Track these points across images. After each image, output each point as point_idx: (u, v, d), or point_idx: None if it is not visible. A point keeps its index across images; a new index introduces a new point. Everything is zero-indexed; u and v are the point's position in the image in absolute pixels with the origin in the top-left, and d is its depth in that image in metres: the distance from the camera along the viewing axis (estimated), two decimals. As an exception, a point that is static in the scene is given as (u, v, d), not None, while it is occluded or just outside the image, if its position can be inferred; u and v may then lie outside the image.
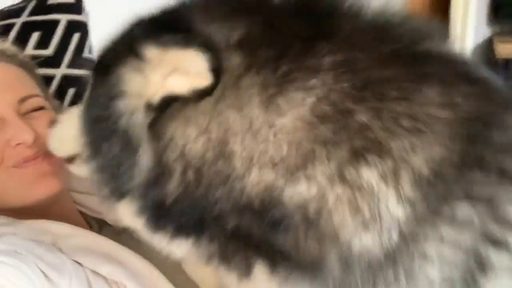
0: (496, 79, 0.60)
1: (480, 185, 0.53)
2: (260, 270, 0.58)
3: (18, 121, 0.90)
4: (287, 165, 0.54)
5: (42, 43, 1.31)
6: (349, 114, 0.53)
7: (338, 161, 0.52)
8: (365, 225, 0.52)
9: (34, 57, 1.17)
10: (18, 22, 1.32)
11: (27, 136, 0.88)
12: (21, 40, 1.26)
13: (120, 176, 0.61)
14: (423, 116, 0.53)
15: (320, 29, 0.57)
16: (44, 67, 1.21)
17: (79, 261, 0.82)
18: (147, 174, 0.58)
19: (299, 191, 0.53)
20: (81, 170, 0.69)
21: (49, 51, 1.31)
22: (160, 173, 0.57)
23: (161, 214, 0.60)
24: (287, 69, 0.55)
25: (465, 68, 0.59)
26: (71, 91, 1.30)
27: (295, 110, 0.54)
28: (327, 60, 0.55)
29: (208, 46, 0.55)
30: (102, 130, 0.62)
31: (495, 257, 0.53)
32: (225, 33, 0.56)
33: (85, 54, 1.37)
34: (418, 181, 0.52)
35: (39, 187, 0.90)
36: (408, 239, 0.52)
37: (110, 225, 1.02)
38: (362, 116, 0.53)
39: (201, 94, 0.55)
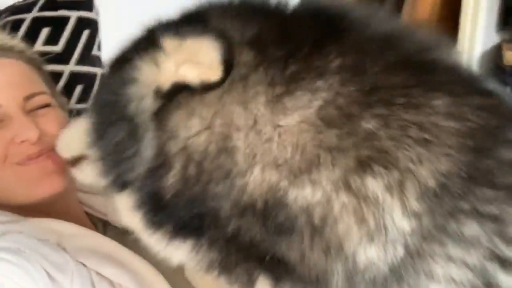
0: (503, 92, 0.59)
1: (487, 201, 0.52)
2: (263, 284, 0.57)
3: (23, 118, 0.90)
4: (291, 167, 0.53)
5: (52, 39, 1.31)
6: (355, 119, 0.53)
7: (343, 169, 0.52)
8: (370, 236, 0.52)
9: (43, 53, 1.17)
10: (29, 17, 1.32)
11: (32, 134, 0.89)
12: (31, 35, 1.26)
13: (122, 164, 0.60)
14: (431, 126, 0.52)
15: (329, 33, 0.57)
16: (52, 64, 1.22)
17: (83, 262, 0.82)
18: (148, 165, 0.58)
19: (303, 195, 0.53)
20: (84, 174, 0.69)
21: (58, 47, 1.31)
22: (160, 164, 0.57)
23: (158, 209, 0.59)
24: (295, 70, 0.55)
25: (472, 80, 0.58)
26: (78, 88, 1.31)
27: (301, 112, 0.54)
28: (335, 63, 0.55)
29: (223, 38, 0.55)
30: (110, 115, 0.62)
31: (503, 277, 0.52)
32: (238, 30, 0.57)
33: (94, 51, 1.38)
34: (424, 193, 0.51)
35: (43, 185, 0.90)
36: (414, 255, 0.51)
37: (114, 226, 1.01)
38: (369, 123, 0.52)
39: (209, 87, 0.56)
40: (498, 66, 2.12)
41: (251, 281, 0.57)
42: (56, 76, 1.25)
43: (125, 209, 0.63)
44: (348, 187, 0.52)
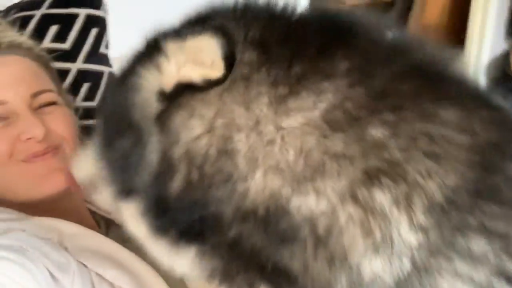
0: (509, 105, 0.58)
1: (495, 218, 0.51)
2: None
3: (30, 116, 0.91)
4: (294, 173, 0.52)
5: (60, 37, 1.31)
6: (363, 124, 0.52)
7: (350, 179, 0.51)
8: (376, 248, 0.51)
9: (51, 51, 1.17)
10: (38, 14, 1.32)
11: (38, 131, 0.89)
12: (39, 32, 1.27)
13: (128, 172, 0.60)
14: (440, 138, 0.51)
15: (337, 38, 0.56)
16: (60, 61, 1.22)
17: (84, 262, 0.82)
18: (153, 170, 0.58)
19: (307, 204, 0.52)
20: (103, 197, 0.68)
21: (66, 45, 1.31)
22: (165, 169, 0.57)
23: (163, 215, 0.58)
24: (300, 70, 0.54)
25: (479, 93, 0.58)
26: (85, 86, 1.31)
27: (305, 114, 0.53)
28: (342, 66, 0.54)
29: (223, 34, 0.55)
30: (115, 126, 0.62)
31: None
32: (241, 30, 0.57)
33: (102, 49, 1.38)
34: (431, 207, 0.50)
35: (47, 183, 0.90)
36: (421, 269, 0.50)
37: (118, 225, 1.00)
38: (377, 130, 0.51)
39: (212, 84, 0.55)
40: (505, 73, 2.11)
41: None
42: (63, 73, 1.25)
43: (131, 217, 0.63)
44: (355, 198, 0.51)
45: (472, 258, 0.50)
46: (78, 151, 0.78)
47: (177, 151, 0.56)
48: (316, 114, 0.52)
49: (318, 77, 0.53)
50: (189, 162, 0.55)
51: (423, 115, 0.52)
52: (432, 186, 0.50)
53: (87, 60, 1.34)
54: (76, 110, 1.16)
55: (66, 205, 0.95)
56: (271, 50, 0.56)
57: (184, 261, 0.59)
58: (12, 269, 0.72)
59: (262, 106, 0.54)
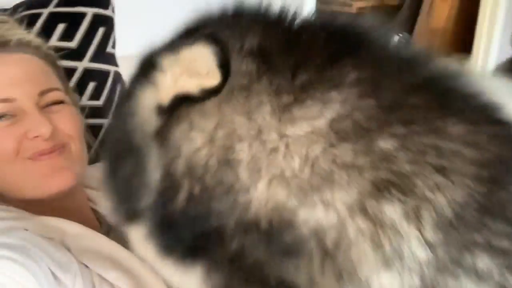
0: None
1: (500, 235, 0.50)
2: None
3: (37, 114, 0.91)
4: (300, 182, 0.50)
5: (67, 35, 1.31)
6: (373, 136, 0.51)
7: (359, 191, 0.50)
8: (386, 262, 0.49)
9: (58, 49, 1.17)
10: (45, 12, 1.32)
11: (45, 130, 0.89)
12: (47, 30, 1.27)
13: (133, 195, 0.59)
14: (449, 153, 0.50)
15: (345, 48, 0.55)
16: (67, 60, 1.21)
17: (85, 263, 0.82)
18: (157, 189, 0.56)
19: (315, 216, 0.50)
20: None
21: (73, 43, 1.31)
22: (169, 186, 0.55)
23: (167, 233, 0.57)
24: (306, 79, 0.53)
25: (486, 108, 0.57)
26: (91, 85, 1.31)
27: (311, 122, 0.51)
28: (352, 76, 0.53)
29: (216, 41, 0.54)
30: (118, 152, 0.61)
31: None
32: (237, 39, 0.56)
33: (109, 49, 1.38)
34: (440, 223, 0.49)
35: (53, 181, 0.90)
36: (429, 287, 0.49)
37: None
38: (387, 143, 0.50)
39: (209, 93, 0.54)
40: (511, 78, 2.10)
41: None
42: (70, 72, 1.25)
43: (138, 240, 0.61)
44: (364, 211, 0.49)
45: (477, 275, 0.50)
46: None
47: (179, 165, 0.55)
48: (322, 122, 0.51)
49: (325, 87, 0.52)
50: (191, 175, 0.54)
51: (432, 129, 0.51)
52: (441, 201, 0.49)
53: (94, 59, 1.34)
54: (82, 109, 1.16)
55: (69, 204, 0.95)
56: (272, 59, 0.54)
57: (193, 280, 0.57)
58: (13, 269, 0.72)
59: (265, 115, 0.52)
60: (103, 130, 1.28)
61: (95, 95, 1.32)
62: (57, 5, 1.34)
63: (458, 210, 0.49)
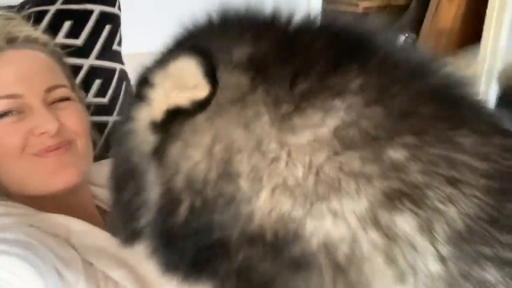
0: None
1: (508, 248, 0.49)
2: None
3: (44, 110, 0.91)
4: (304, 191, 0.48)
5: (73, 33, 1.31)
6: (382, 145, 0.49)
7: (370, 200, 0.48)
8: (400, 277, 0.47)
9: (64, 46, 1.18)
10: (52, 9, 1.32)
11: (51, 126, 0.89)
12: (53, 27, 1.27)
13: (134, 215, 0.58)
14: (460, 164, 0.49)
15: (349, 53, 0.53)
16: (73, 57, 1.22)
17: (90, 261, 0.82)
18: (156, 206, 0.56)
19: (323, 229, 0.48)
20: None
21: (79, 41, 1.31)
22: (168, 202, 0.55)
23: (171, 249, 0.56)
24: (306, 88, 0.51)
25: (495, 120, 0.56)
26: (97, 82, 1.31)
27: (313, 130, 0.50)
28: (357, 82, 0.51)
29: (200, 52, 0.53)
30: (119, 178, 0.62)
31: None
32: (225, 50, 0.54)
33: (115, 46, 1.38)
34: (452, 236, 0.47)
35: (58, 177, 0.91)
36: None
37: None
38: (397, 153, 0.49)
39: (199, 105, 0.53)
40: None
41: None
42: (76, 69, 1.25)
43: (144, 259, 0.60)
44: (376, 223, 0.47)
45: None
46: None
47: (179, 181, 0.54)
48: (325, 130, 0.50)
49: (327, 94, 0.51)
50: (191, 189, 0.53)
51: (443, 140, 0.50)
52: (452, 213, 0.48)
53: (100, 56, 1.34)
54: (88, 106, 1.16)
55: (74, 200, 0.96)
56: (266, 68, 0.53)
57: None
58: (17, 265, 0.72)
59: (263, 125, 0.51)
60: (108, 127, 1.29)
61: (101, 93, 1.32)
62: (64, 2, 1.34)
63: (469, 222, 0.48)
